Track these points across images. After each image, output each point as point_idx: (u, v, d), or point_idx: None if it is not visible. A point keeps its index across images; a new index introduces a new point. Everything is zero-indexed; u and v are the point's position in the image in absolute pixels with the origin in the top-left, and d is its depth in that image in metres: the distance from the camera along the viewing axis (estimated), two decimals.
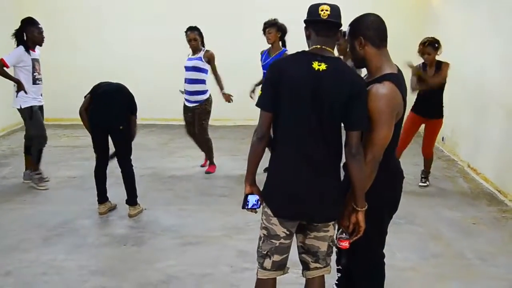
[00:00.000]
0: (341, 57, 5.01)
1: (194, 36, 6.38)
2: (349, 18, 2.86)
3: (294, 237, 2.89)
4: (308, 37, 2.73)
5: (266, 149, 2.78)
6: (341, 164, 2.77)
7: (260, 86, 6.41)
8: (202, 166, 6.95)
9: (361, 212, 2.70)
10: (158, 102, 9.03)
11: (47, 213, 5.37)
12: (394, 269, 3.87)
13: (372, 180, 2.71)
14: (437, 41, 5.89)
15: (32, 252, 4.48)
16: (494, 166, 6.23)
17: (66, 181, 6.44)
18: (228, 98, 6.55)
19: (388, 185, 2.87)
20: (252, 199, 2.85)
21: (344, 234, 2.80)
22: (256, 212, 2.89)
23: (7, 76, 5.88)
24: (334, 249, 3.01)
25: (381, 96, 2.61)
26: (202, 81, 6.52)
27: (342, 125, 2.66)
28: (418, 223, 5.19)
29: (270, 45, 6.30)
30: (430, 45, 5.86)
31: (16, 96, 5.95)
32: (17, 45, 5.92)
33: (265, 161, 2.76)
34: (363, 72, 2.98)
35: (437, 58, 5.94)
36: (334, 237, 2.86)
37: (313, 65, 2.58)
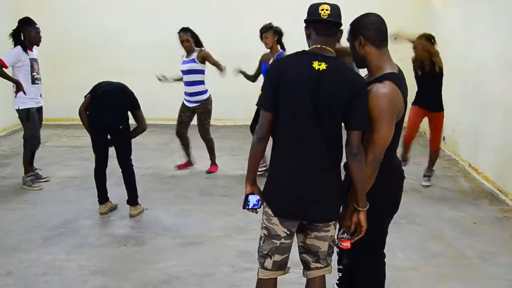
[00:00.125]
0: None
1: (187, 37, 6.36)
2: (350, 18, 2.86)
3: (295, 237, 2.89)
4: (308, 37, 2.73)
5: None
6: (342, 164, 2.77)
7: (245, 73, 6.33)
8: (179, 167, 6.87)
9: (362, 212, 2.70)
10: (159, 102, 9.03)
11: (47, 213, 5.37)
12: (394, 268, 3.87)
13: (373, 180, 2.71)
14: (433, 36, 5.90)
15: (32, 252, 4.48)
16: (495, 166, 6.22)
17: (67, 181, 6.45)
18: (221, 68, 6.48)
19: (389, 185, 2.87)
20: (253, 199, 2.85)
21: (345, 234, 2.79)
22: (257, 212, 2.88)
23: (6, 76, 5.90)
24: (335, 249, 3.00)
25: (382, 96, 2.61)
26: (201, 82, 6.53)
27: (343, 124, 2.66)
28: (418, 223, 5.19)
29: (268, 50, 6.29)
30: (426, 39, 5.85)
31: (15, 97, 5.97)
32: (15, 45, 5.95)
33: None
34: (362, 72, 2.97)
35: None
36: (335, 237, 2.86)
37: (313, 65, 2.58)
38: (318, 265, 2.88)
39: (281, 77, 2.63)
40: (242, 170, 6.46)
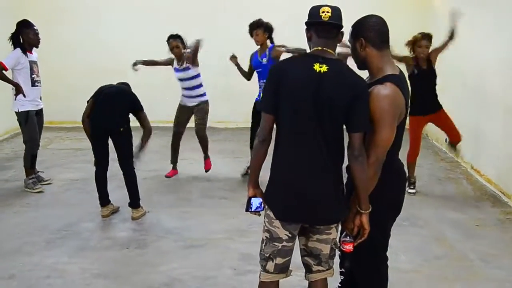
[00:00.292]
0: None
1: (176, 44, 6.34)
2: (351, 20, 2.87)
3: (297, 240, 2.88)
4: (309, 39, 2.74)
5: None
6: (344, 167, 2.77)
7: (238, 64, 6.30)
8: (167, 176, 6.74)
9: (365, 215, 2.70)
10: (161, 104, 9.02)
11: (50, 216, 5.37)
12: (397, 271, 3.86)
13: (375, 182, 2.70)
14: (431, 35, 5.89)
15: (35, 255, 4.49)
16: (498, 168, 6.20)
17: (69, 184, 6.46)
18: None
19: (391, 187, 2.86)
20: (256, 202, 2.85)
21: (348, 237, 2.79)
22: (259, 215, 2.89)
23: (6, 79, 5.95)
24: (337, 252, 3.00)
25: (383, 97, 2.61)
26: (200, 85, 6.55)
27: (344, 127, 2.66)
28: (421, 225, 5.18)
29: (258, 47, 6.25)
30: (427, 38, 5.85)
31: (15, 99, 5.99)
32: (14, 48, 5.98)
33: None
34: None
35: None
36: (337, 240, 2.86)
37: (314, 67, 2.58)
38: (320, 268, 2.88)
39: (282, 79, 2.63)
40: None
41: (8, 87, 6.11)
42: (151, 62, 6.70)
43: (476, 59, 6.91)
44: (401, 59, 5.72)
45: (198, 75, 6.48)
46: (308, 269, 2.93)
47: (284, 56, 5.64)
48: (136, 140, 5.38)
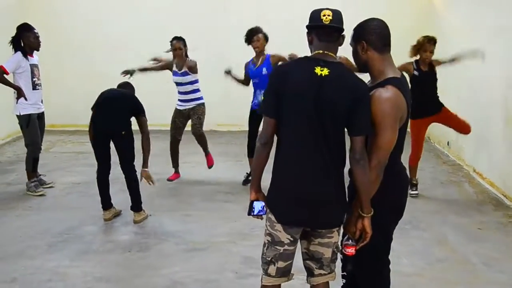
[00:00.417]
0: None
1: (180, 46, 6.36)
2: (352, 23, 2.87)
3: (299, 244, 2.88)
4: (310, 42, 2.74)
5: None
6: (347, 170, 2.77)
7: (233, 76, 6.33)
8: (169, 179, 6.72)
9: (367, 218, 2.69)
10: (163, 107, 9.03)
11: (52, 219, 5.38)
12: (399, 274, 3.84)
13: (377, 186, 2.70)
14: (436, 39, 5.90)
15: (37, 258, 4.49)
16: (500, 171, 6.19)
17: (71, 187, 6.46)
18: None
19: (393, 190, 2.86)
20: (258, 205, 2.85)
21: (350, 240, 2.78)
22: (262, 218, 2.89)
23: (7, 83, 5.96)
24: (339, 255, 3.00)
25: (384, 100, 2.61)
26: (197, 91, 6.56)
27: (346, 130, 2.66)
28: (423, 228, 5.17)
29: (255, 54, 6.22)
30: (432, 42, 5.85)
31: (16, 103, 6.01)
32: (15, 52, 6.00)
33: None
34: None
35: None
36: (339, 243, 2.86)
37: (315, 70, 2.59)
38: (322, 271, 2.88)
39: (284, 83, 2.64)
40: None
41: (10, 91, 6.13)
42: (148, 68, 6.68)
43: (478, 62, 6.89)
44: (402, 69, 5.76)
45: (195, 81, 6.50)
46: (310, 273, 2.92)
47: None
48: (138, 144, 5.39)
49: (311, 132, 2.61)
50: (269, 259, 2.84)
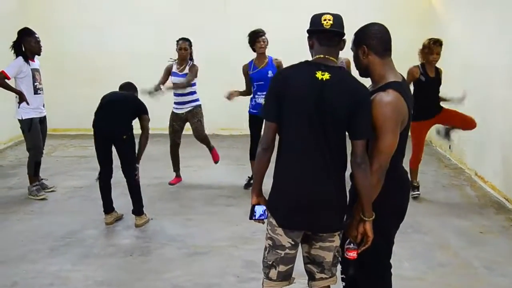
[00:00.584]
0: None
1: (185, 46, 6.39)
2: (353, 28, 2.87)
3: (300, 247, 2.88)
4: (311, 47, 2.75)
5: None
6: (348, 174, 2.77)
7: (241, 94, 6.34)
8: (171, 183, 6.73)
9: (368, 222, 2.69)
10: (164, 111, 9.05)
11: (53, 223, 5.38)
12: (401, 278, 3.84)
13: (379, 189, 2.70)
14: (442, 41, 5.90)
15: (38, 262, 4.49)
16: (502, 174, 6.18)
17: (73, 191, 6.47)
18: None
19: (394, 193, 2.86)
20: (259, 209, 2.86)
21: (352, 244, 2.78)
22: (263, 222, 2.89)
23: (8, 88, 5.98)
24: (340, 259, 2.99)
25: (385, 104, 2.62)
26: (194, 93, 6.56)
27: (347, 134, 2.66)
28: (425, 232, 5.16)
29: (256, 56, 6.21)
30: (438, 44, 5.85)
31: (18, 107, 6.02)
32: (16, 57, 6.01)
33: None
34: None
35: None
36: (340, 247, 2.86)
37: (316, 75, 2.60)
38: (323, 275, 2.88)
39: (285, 87, 2.65)
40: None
41: (11, 95, 6.15)
42: (163, 81, 6.65)
43: (480, 65, 6.91)
44: (410, 74, 5.83)
45: (193, 84, 6.51)
46: (311, 277, 2.92)
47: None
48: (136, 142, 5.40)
49: (312, 136, 2.62)
50: (270, 263, 2.84)
